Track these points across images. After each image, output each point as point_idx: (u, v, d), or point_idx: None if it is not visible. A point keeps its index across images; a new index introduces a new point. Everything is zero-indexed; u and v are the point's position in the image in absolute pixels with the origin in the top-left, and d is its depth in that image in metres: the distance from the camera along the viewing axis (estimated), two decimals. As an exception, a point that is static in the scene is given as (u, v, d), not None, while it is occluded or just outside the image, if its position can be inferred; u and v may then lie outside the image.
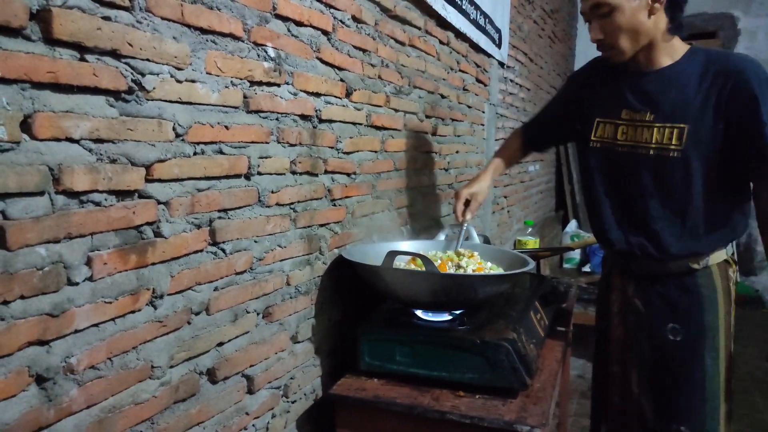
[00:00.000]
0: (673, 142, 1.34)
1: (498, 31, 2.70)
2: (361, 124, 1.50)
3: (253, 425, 1.17)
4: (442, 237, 1.72)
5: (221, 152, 1.02)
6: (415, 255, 1.34)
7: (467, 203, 1.64)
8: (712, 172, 1.34)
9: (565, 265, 4.59)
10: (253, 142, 1.10)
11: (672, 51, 1.37)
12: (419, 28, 1.82)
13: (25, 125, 0.70)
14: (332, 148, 1.37)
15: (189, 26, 0.93)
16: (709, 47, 1.41)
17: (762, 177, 1.32)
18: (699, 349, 1.41)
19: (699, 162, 1.33)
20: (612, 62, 1.41)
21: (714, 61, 1.33)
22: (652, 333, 1.46)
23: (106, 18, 0.79)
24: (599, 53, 1.45)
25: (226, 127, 1.03)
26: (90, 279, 0.80)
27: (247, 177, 1.10)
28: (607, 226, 1.48)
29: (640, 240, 1.43)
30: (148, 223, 0.89)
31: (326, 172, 1.35)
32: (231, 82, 1.03)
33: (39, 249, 0.72)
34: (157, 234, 0.90)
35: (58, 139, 0.74)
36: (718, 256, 1.41)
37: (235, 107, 1.05)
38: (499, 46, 2.74)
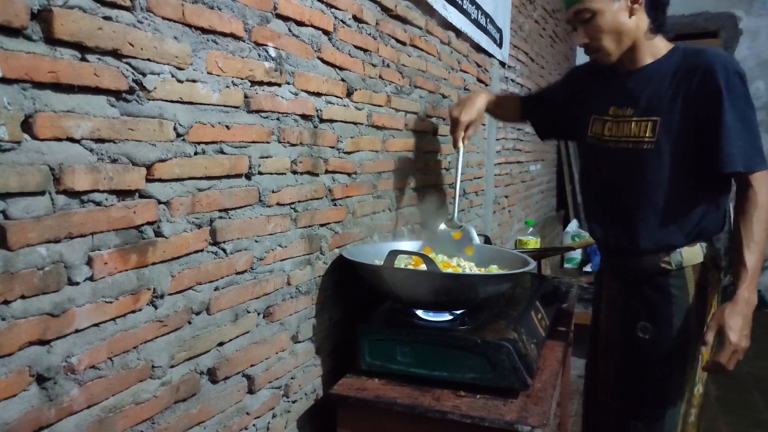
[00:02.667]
0: (647, 135, 1.38)
1: (499, 30, 2.70)
2: (362, 123, 1.50)
3: (254, 425, 1.17)
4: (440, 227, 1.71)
5: (222, 152, 1.02)
6: (416, 254, 1.34)
7: (466, 128, 1.63)
8: (684, 164, 1.37)
9: (566, 265, 4.59)
10: (253, 142, 1.10)
11: (654, 50, 1.41)
12: (420, 28, 1.82)
13: (26, 125, 0.70)
14: (333, 147, 1.37)
15: (190, 26, 0.93)
16: (690, 46, 1.44)
17: (737, 184, 1.35)
18: (665, 350, 1.43)
19: (670, 154, 1.37)
20: (600, 63, 1.45)
21: (688, 57, 1.37)
22: (625, 331, 1.49)
23: (107, 18, 0.79)
24: None
25: (227, 127, 1.03)
26: (90, 279, 0.80)
27: (248, 177, 1.10)
28: (592, 218, 1.55)
29: (616, 231, 1.48)
30: (149, 223, 0.89)
31: (327, 171, 1.35)
32: (232, 81, 1.03)
33: (40, 249, 0.72)
34: (158, 234, 0.90)
35: (59, 139, 0.74)
36: (693, 257, 1.42)
37: (236, 107, 1.05)
38: (500, 45, 2.74)
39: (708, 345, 1.27)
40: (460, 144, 1.62)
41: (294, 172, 1.23)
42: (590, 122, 1.53)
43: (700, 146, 1.34)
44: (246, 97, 1.07)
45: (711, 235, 1.45)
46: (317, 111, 1.30)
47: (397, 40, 1.67)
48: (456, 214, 1.66)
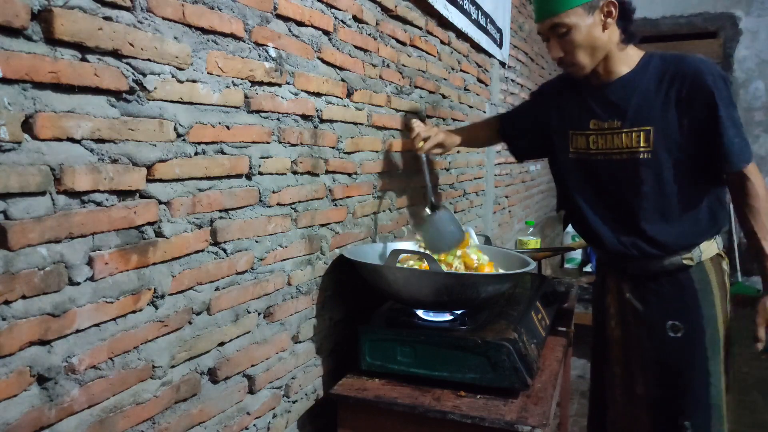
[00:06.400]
0: (642, 145, 1.40)
1: (499, 31, 2.70)
2: (362, 124, 1.50)
3: (255, 425, 1.17)
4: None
5: (222, 152, 1.02)
6: (418, 254, 1.34)
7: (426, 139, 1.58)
8: (685, 167, 1.39)
9: (567, 265, 4.59)
10: (254, 142, 1.10)
11: (628, 59, 1.43)
12: (420, 28, 1.82)
13: (27, 125, 0.70)
14: (333, 148, 1.37)
15: (190, 26, 0.93)
16: (663, 51, 1.46)
17: (730, 179, 1.40)
18: (700, 344, 1.43)
19: (670, 159, 1.38)
20: (574, 77, 1.46)
21: (670, 64, 1.39)
22: (652, 331, 1.48)
23: (108, 18, 0.79)
24: None
25: (227, 127, 1.03)
26: (91, 279, 0.80)
27: (248, 177, 1.10)
28: (597, 230, 1.52)
29: (632, 239, 1.46)
30: (150, 223, 0.89)
31: (327, 172, 1.35)
32: (232, 82, 1.03)
33: (40, 249, 0.72)
34: (159, 234, 0.91)
35: (59, 139, 0.74)
36: (710, 250, 1.45)
37: (237, 107, 1.05)
38: (500, 46, 2.74)
39: (763, 341, 1.36)
40: (421, 149, 1.59)
41: (294, 173, 1.23)
42: (569, 137, 1.53)
43: (698, 149, 1.37)
44: (246, 97, 1.07)
45: (721, 228, 1.48)
46: (317, 111, 1.30)
47: (398, 41, 1.67)
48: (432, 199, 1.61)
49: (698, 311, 1.44)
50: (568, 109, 1.54)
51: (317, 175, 1.31)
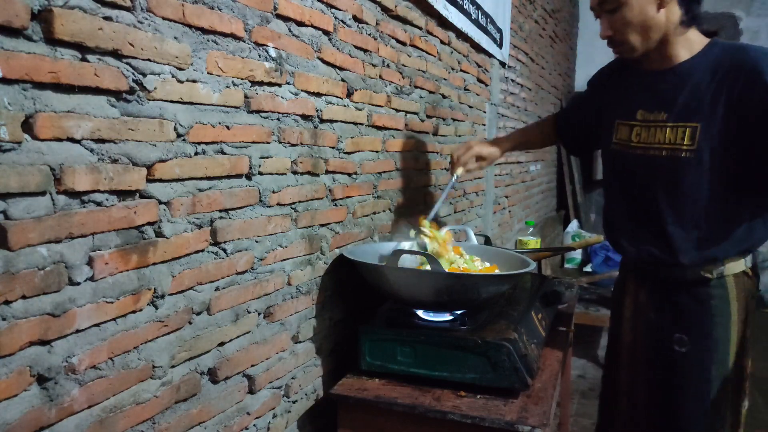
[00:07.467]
0: (686, 142, 1.27)
1: (499, 30, 2.70)
2: (362, 124, 1.50)
3: (255, 425, 1.17)
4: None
5: (222, 152, 1.02)
6: (419, 254, 1.34)
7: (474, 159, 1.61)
8: (728, 174, 1.26)
9: (567, 265, 4.59)
10: (254, 142, 1.10)
11: (689, 45, 1.29)
12: (420, 28, 1.82)
13: (27, 125, 0.70)
14: (333, 148, 1.37)
15: (190, 26, 0.93)
16: (728, 41, 1.32)
17: None
18: (705, 362, 1.34)
19: (713, 163, 1.26)
20: (624, 58, 1.36)
21: (729, 55, 1.25)
22: (659, 342, 1.40)
23: (108, 18, 0.79)
24: (601, 54, 1.43)
25: (227, 127, 1.03)
26: (91, 279, 0.80)
27: (248, 177, 1.10)
28: (619, 232, 1.43)
29: (650, 248, 1.37)
30: (150, 223, 0.89)
31: (327, 172, 1.35)
32: (232, 82, 1.03)
33: (40, 249, 0.72)
34: (159, 234, 0.91)
35: (59, 139, 0.74)
36: (735, 266, 1.34)
37: (237, 107, 1.05)
38: (500, 46, 2.74)
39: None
40: (456, 171, 1.61)
41: (294, 173, 1.23)
42: (615, 127, 1.41)
43: (745, 155, 1.23)
44: (246, 97, 1.07)
45: (756, 247, 1.36)
46: (317, 111, 1.30)
47: (398, 41, 1.67)
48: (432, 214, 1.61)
49: (710, 329, 1.33)
50: (617, 97, 1.43)
51: (317, 175, 1.31)
